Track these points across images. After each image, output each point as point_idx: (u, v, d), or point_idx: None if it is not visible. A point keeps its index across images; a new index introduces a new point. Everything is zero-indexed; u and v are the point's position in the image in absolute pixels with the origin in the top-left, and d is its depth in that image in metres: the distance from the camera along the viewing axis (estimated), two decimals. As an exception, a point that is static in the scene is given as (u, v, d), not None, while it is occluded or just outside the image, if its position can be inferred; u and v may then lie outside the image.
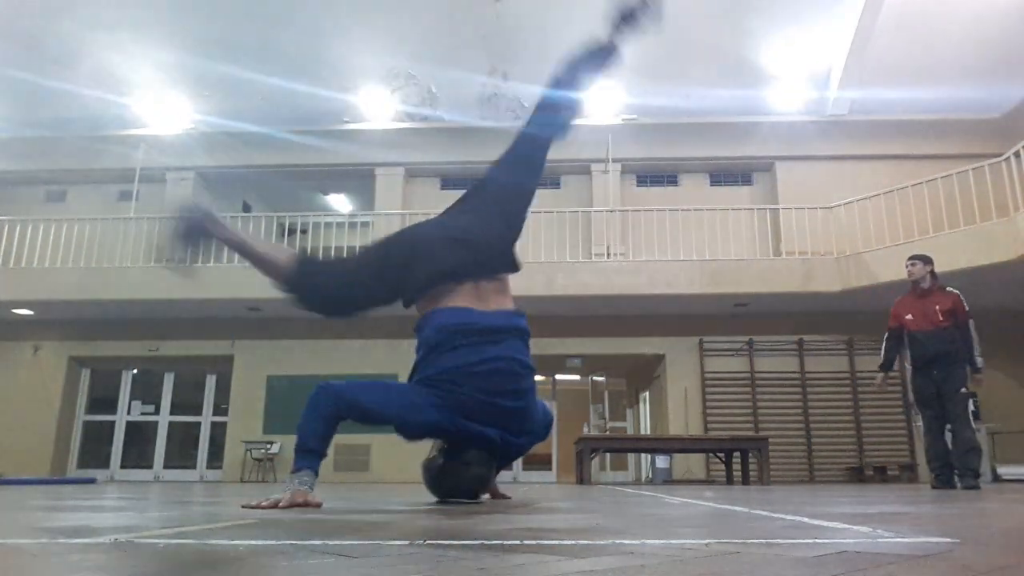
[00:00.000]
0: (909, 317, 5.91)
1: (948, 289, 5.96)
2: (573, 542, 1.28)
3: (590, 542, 1.28)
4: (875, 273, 9.93)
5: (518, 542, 1.27)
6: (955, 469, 5.56)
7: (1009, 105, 11.71)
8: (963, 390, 5.65)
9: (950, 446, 5.69)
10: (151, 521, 1.92)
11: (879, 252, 10.01)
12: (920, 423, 6.01)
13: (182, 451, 12.59)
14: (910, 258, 6.05)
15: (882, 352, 6.11)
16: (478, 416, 2.61)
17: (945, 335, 5.73)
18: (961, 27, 10.28)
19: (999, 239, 8.74)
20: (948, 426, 5.73)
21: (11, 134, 12.71)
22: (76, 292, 10.78)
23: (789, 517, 1.99)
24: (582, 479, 8.72)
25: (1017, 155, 8.99)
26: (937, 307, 5.80)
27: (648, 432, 12.77)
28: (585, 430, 12.84)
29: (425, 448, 2.89)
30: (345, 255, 3.40)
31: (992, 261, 8.62)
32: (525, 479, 11.89)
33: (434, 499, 2.87)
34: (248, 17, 10.63)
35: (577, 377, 13.58)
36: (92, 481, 9.84)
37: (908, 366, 6.29)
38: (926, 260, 5.98)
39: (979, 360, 5.68)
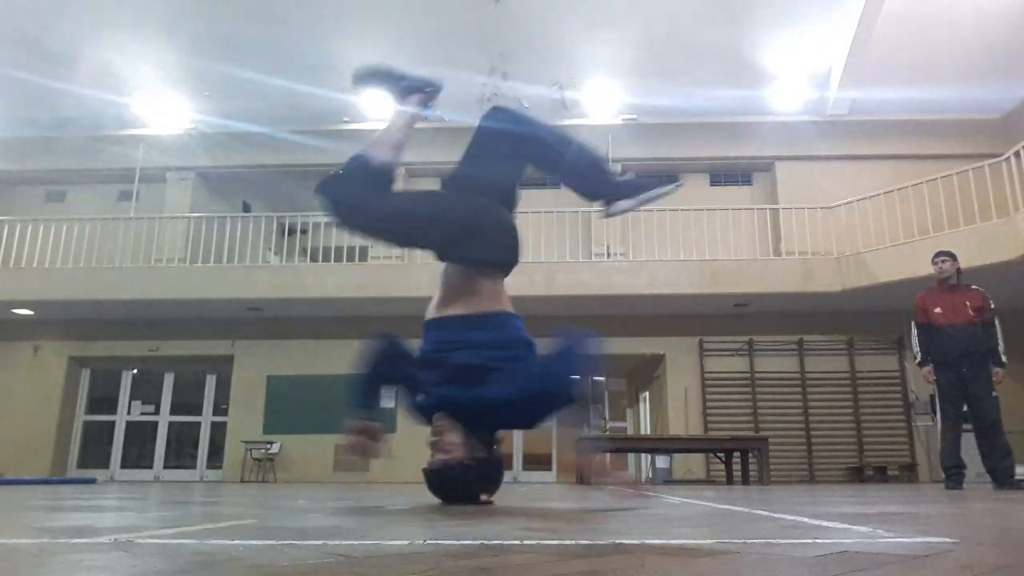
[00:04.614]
0: (938, 311, 5.79)
1: (974, 287, 5.92)
2: (573, 542, 1.28)
3: (590, 542, 1.28)
4: (875, 273, 9.94)
5: (518, 542, 1.27)
6: (990, 473, 5.50)
7: (1009, 105, 11.71)
8: (994, 394, 5.58)
9: (978, 449, 5.61)
10: (151, 521, 1.92)
11: (879, 252, 10.01)
12: (938, 421, 5.85)
13: (182, 451, 12.58)
14: (939, 255, 5.98)
15: (917, 348, 5.89)
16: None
17: (976, 331, 5.66)
18: (961, 27, 10.27)
19: (999, 239, 8.74)
20: (965, 426, 5.67)
21: (11, 134, 12.70)
22: (76, 292, 10.77)
23: (789, 517, 1.99)
24: (582, 479, 8.70)
25: (1017, 155, 8.98)
26: (967, 303, 5.75)
27: (648, 432, 12.76)
28: (585, 430, 12.81)
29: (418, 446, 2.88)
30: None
31: (992, 261, 8.61)
32: (525, 479, 11.87)
33: (438, 501, 2.87)
34: (248, 17, 10.62)
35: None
36: (92, 481, 9.84)
37: (915, 360, 6.19)
38: (954, 257, 5.96)
39: (1003, 357, 5.66)
